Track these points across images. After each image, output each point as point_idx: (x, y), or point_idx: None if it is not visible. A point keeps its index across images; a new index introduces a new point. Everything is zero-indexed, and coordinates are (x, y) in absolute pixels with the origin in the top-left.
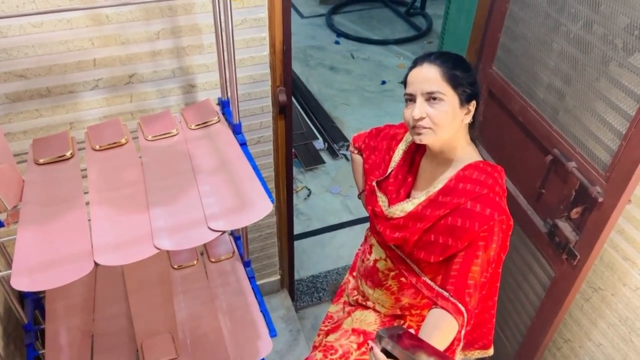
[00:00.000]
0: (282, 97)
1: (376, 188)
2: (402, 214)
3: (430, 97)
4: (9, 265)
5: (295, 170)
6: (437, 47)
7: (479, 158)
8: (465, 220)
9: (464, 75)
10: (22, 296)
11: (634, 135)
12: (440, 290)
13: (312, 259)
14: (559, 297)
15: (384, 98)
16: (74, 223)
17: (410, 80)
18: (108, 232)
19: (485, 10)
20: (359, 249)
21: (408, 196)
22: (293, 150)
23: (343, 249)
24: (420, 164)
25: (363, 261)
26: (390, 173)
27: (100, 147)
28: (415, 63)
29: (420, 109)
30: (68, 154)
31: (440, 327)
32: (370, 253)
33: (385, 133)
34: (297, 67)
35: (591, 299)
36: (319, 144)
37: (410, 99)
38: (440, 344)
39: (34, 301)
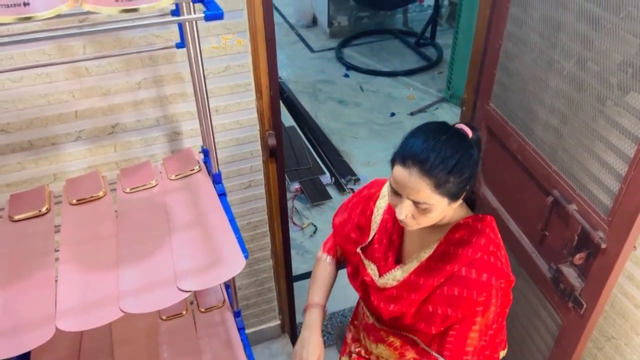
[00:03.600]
0: (272, 141)
1: (362, 256)
2: (395, 283)
3: (417, 204)
4: None
5: (301, 206)
6: (447, 78)
7: (467, 212)
8: (462, 289)
9: (458, 180)
10: None
11: (634, 178)
12: (437, 355)
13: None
14: (568, 347)
15: (393, 130)
16: (40, 283)
17: (396, 178)
18: (74, 293)
19: (481, 46)
20: (359, 300)
21: (397, 261)
22: (299, 186)
23: (349, 289)
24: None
25: (363, 317)
26: (373, 238)
27: (76, 201)
28: (404, 161)
29: (405, 211)
30: (44, 209)
31: None
32: (367, 313)
33: (355, 203)
34: (305, 102)
35: (604, 349)
36: (326, 178)
37: (395, 192)
38: None
39: (19, 357)
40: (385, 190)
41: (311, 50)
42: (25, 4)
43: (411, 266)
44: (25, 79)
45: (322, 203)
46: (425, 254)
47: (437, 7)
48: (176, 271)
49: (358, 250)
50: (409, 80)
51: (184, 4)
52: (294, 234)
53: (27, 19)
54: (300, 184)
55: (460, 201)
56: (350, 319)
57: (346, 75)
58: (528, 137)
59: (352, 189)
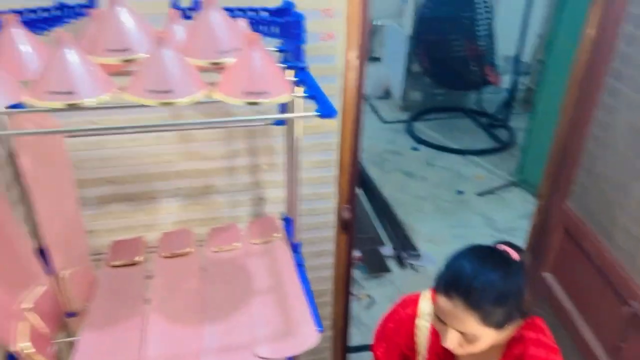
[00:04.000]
0: (346, 215)
1: None
2: None
3: (464, 334)
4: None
5: (359, 275)
6: (519, 161)
7: (519, 322)
8: None
9: (505, 310)
10: None
11: None
12: None
13: None
14: None
15: (459, 208)
16: (130, 329)
17: (439, 309)
18: (159, 345)
19: (562, 144)
20: None
21: None
22: (359, 255)
23: None
24: None
25: None
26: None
27: (168, 254)
28: (448, 294)
29: (453, 342)
30: (138, 259)
31: None
32: None
33: (394, 328)
34: (372, 170)
35: None
36: (387, 250)
37: (440, 320)
38: None
39: None
40: (423, 308)
41: (382, 120)
42: (168, 92)
43: None
44: (141, 140)
45: (381, 275)
46: None
47: (512, 91)
48: (253, 336)
49: None
50: (478, 160)
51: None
52: (352, 303)
53: (169, 104)
54: (360, 252)
55: (508, 329)
56: None
57: (415, 149)
58: (607, 241)
59: (411, 264)
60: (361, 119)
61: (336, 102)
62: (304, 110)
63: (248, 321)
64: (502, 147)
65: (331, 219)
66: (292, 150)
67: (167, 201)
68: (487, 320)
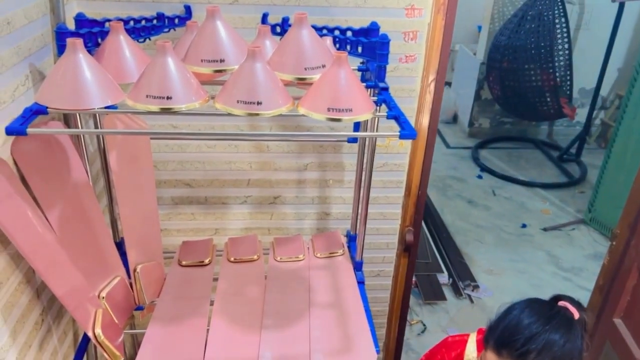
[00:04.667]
0: (409, 237)
1: None
2: None
3: None
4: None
5: (413, 300)
6: (590, 199)
7: None
8: None
9: None
10: None
11: None
12: None
13: None
14: None
15: (522, 242)
16: (195, 327)
17: None
18: (220, 346)
19: None
20: None
21: None
22: (414, 280)
23: None
24: None
25: None
26: None
27: (234, 259)
28: (499, 350)
29: None
30: (207, 260)
31: None
32: None
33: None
34: (433, 195)
35: None
36: (444, 278)
37: None
38: None
39: None
40: (469, 348)
41: (447, 145)
42: (257, 103)
43: None
44: (218, 146)
45: (435, 302)
46: None
47: (587, 125)
48: (311, 347)
49: None
50: (545, 194)
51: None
52: None
53: (257, 115)
54: (415, 277)
55: None
56: None
57: (479, 177)
58: None
59: (469, 295)
60: (433, 142)
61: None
62: (379, 130)
63: (306, 333)
64: (572, 182)
65: (394, 240)
66: (363, 167)
67: (237, 207)
68: None
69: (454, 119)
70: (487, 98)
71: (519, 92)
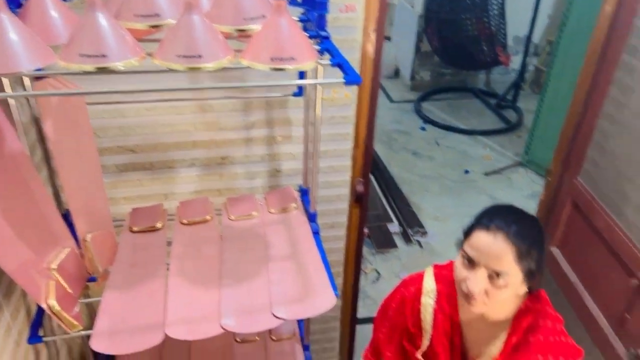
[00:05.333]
0: (360, 188)
1: None
2: None
3: (494, 274)
4: (90, 320)
5: (366, 250)
6: (526, 142)
7: (524, 296)
8: None
9: (538, 256)
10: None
11: None
12: None
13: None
14: None
15: (465, 188)
16: (153, 291)
17: (476, 244)
18: (181, 305)
19: (574, 121)
20: None
21: (464, 358)
22: (367, 231)
23: None
24: (461, 319)
25: None
26: (431, 341)
27: (187, 221)
28: (488, 226)
29: (480, 284)
30: (159, 225)
31: None
32: None
33: (396, 309)
34: (380, 149)
35: None
36: (394, 227)
37: (470, 262)
38: None
39: (108, 356)
40: (427, 285)
41: (390, 100)
42: (197, 57)
43: None
44: (158, 109)
45: (388, 251)
46: (496, 349)
47: (522, 71)
48: (272, 298)
49: (419, 356)
50: (485, 140)
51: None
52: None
53: (197, 69)
54: (367, 228)
55: (525, 287)
56: None
57: (423, 129)
58: (617, 217)
59: (418, 241)
60: (377, 93)
61: None
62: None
63: (266, 285)
64: (509, 127)
65: (345, 192)
66: (310, 121)
67: (185, 171)
68: (522, 259)
69: (396, 73)
70: (427, 50)
71: (457, 43)
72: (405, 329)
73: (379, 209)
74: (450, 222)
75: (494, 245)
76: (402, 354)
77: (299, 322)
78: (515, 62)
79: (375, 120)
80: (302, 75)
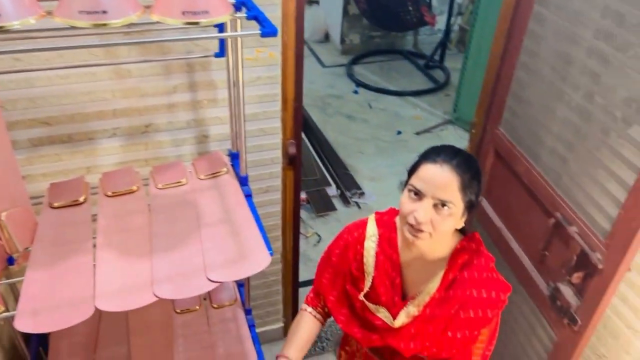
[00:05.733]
0: (292, 150)
1: (367, 303)
2: (410, 320)
3: (440, 204)
4: (16, 303)
5: (306, 215)
6: (454, 100)
7: (458, 235)
8: (477, 310)
9: (476, 188)
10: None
11: (633, 205)
12: None
13: None
14: None
15: (398, 148)
16: (79, 267)
17: (423, 176)
18: (111, 277)
19: (493, 73)
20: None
21: (404, 297)
22: (305, 196)
23: None
24: (402, 261)
25: (358, 349)
26: (373, 282)
27: (112, 193)
28: (435, 159)
29: (426, 214)
30: (81, 199)
31: None
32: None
33: (339, 254)
34: (314, 115)
35: None
36: (332, 190)
37: (416, 194)
38: None
39: (39, 338)
40: (370, 230)
41: (322, 65)
42: (103, 12)
43: (423, 300)
44: (72, 77)
45: (327, 214)
46: (434, 285)
47: (447, 31)
48: (206, 263)
49: (361, 297)
50: (416, 101)
51: (233, 20)
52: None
53: (103, 25)
54: (306, 193)
55: (463, 221)
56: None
57: (355, 92)
58: (534, 161)
59: (356, 202)
60: (302, 52)
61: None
62: (243, 43)
63: (199, 250)
64: (438, 87)
65: (277, 154)
66: (233, 82)
67: (107, 141)
68: (465, 189)
69: (326, 37)
70: (355, 13)
71: (383, 4)
72: (348, 273)
73: (316, 174)
74: (386, 181)
75: (441, 175)
76: (345, 297)
77: (240, 287)
78: (441, 22)
79: (302, 80)
80: (222, 41)
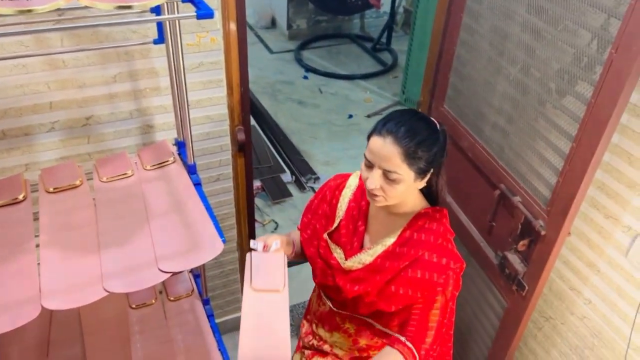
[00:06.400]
0: (241, 136)
1: (329, 240)
2: (360, 266)
3: (386, 172)
4: None
5: (262, 203)
6: (402, 82)
7: (426, 203)
8: (424, 272)
9: (425, 155)
10: None
11: (569, 172)
12: (397, 335)
13: None
14: (511, 326)
15: (351, 132)
16: (23, 267)
17: (371, 148)
18: (57, 275)
19: (436, 51)
20: (313, 294)
21: (362, 246)
22: (260, 184)
23: (310, 282)
24: (370, 212)
25: (319, 306)
26: (339, 224)
27: (54, 189)
28: (380, 131)
29: (375, 181)
30: (20, 196)
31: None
32: (323, 300)
33: (321, 196)
34: (265, 102)
35: (543, 328)
36: (287, 177)
37: (368, 164)
38: None
39: None
40: (351, 180)
41: (270, 51)
42: None
43: (377, 251)
44: (1, 69)
45: (283, 200)
46: (391, 240)
47: (392, 13)
48: (157, 254)
49: (325, 235)
50: (365, 84)
51: (169, 3)
52: (256, 230)
53: (28, 11)
54: (261, 181)
55: (424, 183)
56: (303, 316)
57: (305, 77)
58: (478, 136)
59: (312, 187)
60: (245, 36)
61: (216, 15)
62: (182, 28)
63: (150, 242)
64: (386, 69)
65: (226, 142)
66: (174, 68)
67: (45, 136)
68: (410, 158)
69: (273, 23)
70: None
71: None
72: (323, 214)
73: (270, 161)
74: (340, 165)
75: (384, 148)
76: (315, 237)
77: (196, 278)
78: (387, 4)
79: (247, 64)
80: (160, 25)
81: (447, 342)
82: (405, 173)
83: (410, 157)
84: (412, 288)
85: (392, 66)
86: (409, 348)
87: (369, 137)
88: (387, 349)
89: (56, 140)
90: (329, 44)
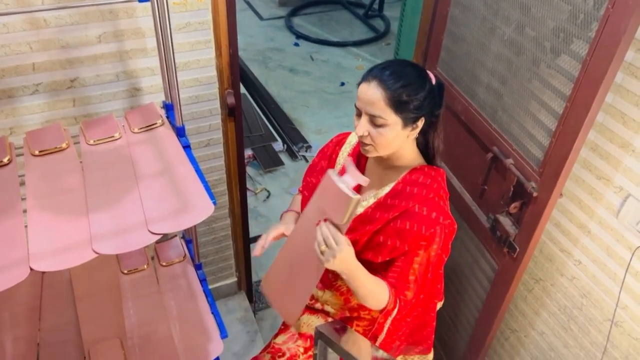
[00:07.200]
0: (231, 100)
1: None
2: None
3: (372, 117)
4: None
5: (254, 172)
6: (394, 49)
7: (423, 162)
8: (413, 223)
9: (410, 99)
10: None
11: (562, 132)
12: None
13: (271, 260)
14: (502, 288)
15: (342, 99)
16: (10, 230)
17: (359, 94)
18: (45, 238)
19: (429, 13)
20: None
21: None
22: (252, 153)
23: None
24: (367, 166)
25: None
26: None
27: (39, 152)
28: (366, 77)
29: (362, 127)
30: (5, 159)
31: (378, 285)
32: None
33: (328, 146)
34: (256, 69)
35: (533, 290)
36: (278, 145)
37: (357, 112)
38: (369, 286)
39: None
40: (351, 137)
41: (260, 18)
42: None
43: (369, 202)
44: None
45: (275, 169)
46: (384, 192)
47: None
48: (146, 216)
49: None
50: (357, 51)
51: None
52: (248, 198)
53: None
54: (252, 150)
55: (415, 133)
56: None
57: (296, 44)
58: (471, 98)
59: (303, 156)
60: None
61: None
62: None
63: (139, 205)
64: (378, 36)
65: (216, 105)
66: (160, 28)
67: (28, 99)
68: (394, 102)
69: None
70: None
71: None
72: (321, 170)
73: (261, 130)
74: (332, 133)
75: (368, 92)
76: (312, 192)
77: (188, 243)
78: None
79: (235, 24)
80: None
81: (431, 311)
82: (390, 118)
83: (394, 100)
84: (400, 239)
85: (385, 33)
86: (393, 293)
87: (358, 87)
88: (381, 280)
89: (41, 103)
90: (320, 10)
